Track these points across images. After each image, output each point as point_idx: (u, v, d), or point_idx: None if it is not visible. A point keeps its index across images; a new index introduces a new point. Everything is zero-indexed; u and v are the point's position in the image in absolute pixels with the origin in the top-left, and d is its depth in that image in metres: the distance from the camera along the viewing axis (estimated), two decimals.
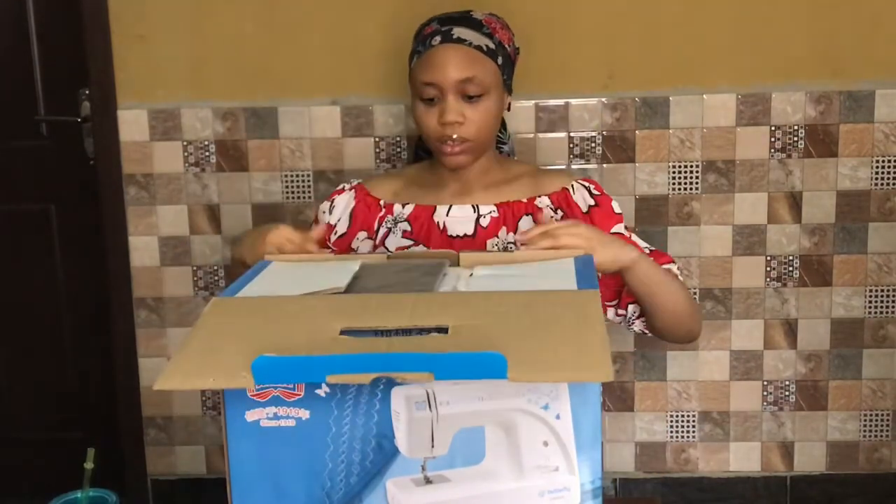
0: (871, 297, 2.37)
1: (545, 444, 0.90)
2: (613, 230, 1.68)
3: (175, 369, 0.86)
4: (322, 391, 0.88)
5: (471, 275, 1.19)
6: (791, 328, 2.39)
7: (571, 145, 2.32)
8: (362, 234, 1.73)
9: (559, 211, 1.67)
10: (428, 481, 0.90)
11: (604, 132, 2.32)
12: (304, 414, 0.89)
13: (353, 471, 0.89)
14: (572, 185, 1.70)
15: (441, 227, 1.67)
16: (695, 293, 2.36)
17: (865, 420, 2.43)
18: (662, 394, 2.43)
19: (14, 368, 2.64)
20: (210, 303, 1.01)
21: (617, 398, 2.44)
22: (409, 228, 1.68)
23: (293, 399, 0.89)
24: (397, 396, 0.88)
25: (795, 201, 2.33)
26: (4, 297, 2.61)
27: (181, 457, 2.55)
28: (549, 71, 2.28)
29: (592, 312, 0.93)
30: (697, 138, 2.31)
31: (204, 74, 2.35)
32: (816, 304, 2.37)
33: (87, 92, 2.42)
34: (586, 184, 1.71)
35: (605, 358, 0.84)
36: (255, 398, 0.89)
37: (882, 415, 2.43)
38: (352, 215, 1.73)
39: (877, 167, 2.31)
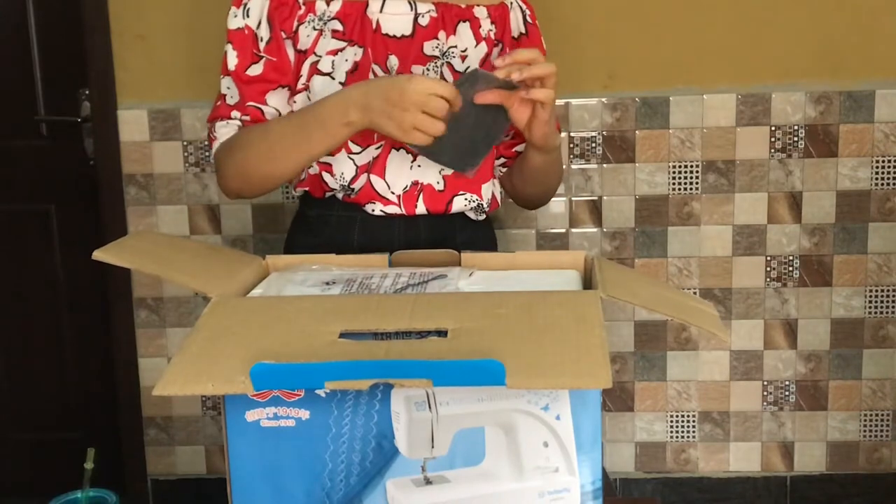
0: (871, 297, 2.37)
1: (545, 444, 0.90)
2: None
3: (174, 374, 0.86)
4: (322, 392, 0.88)
5: (470, 274, 1.18)
6: (791, 328, 2.39)
7: (571, 145, 2.32)
8: (287, 41, 1.51)
9: (494, 25, 1.55)
10: (428, 482, 0.90)
11: (604, 132, 2.32)
12: (304, 414, 0.89)
13: (352, 471, 0.89)
14: (511, 2, 1.57)
15: (375, 25, 1.49)
16: (695, 293, 2.36)
17: (865, 420, 2.43)
18: (662, 394, 2.43)
19: (14, 368, 2.64)
20: (209, 304, 1.01)
21: (617, 398, 2.44)
22: (340, 27, 1.49)
23: (293, 399, 0.89)
24: (397, 397, 0.88)
25: (795, 201, 2.33)
26: (4, 297, 2.60)
27: (181, 457, 2.55)
28: None
29: (592, 315, 0.93)
30: (697, 138, 2.31)
31: (204, 74, 2.34)
32: (816, 304, 2.37)
33: (87, 92, 2.42)
34: (524, 6, 1.59)
35: (604, 364, 0.84)
36: (255, 398, 0.89)
37: (882, 415, 2.43)
38: (269, 19, 1.49)
39: (877, 167, 2.31)
